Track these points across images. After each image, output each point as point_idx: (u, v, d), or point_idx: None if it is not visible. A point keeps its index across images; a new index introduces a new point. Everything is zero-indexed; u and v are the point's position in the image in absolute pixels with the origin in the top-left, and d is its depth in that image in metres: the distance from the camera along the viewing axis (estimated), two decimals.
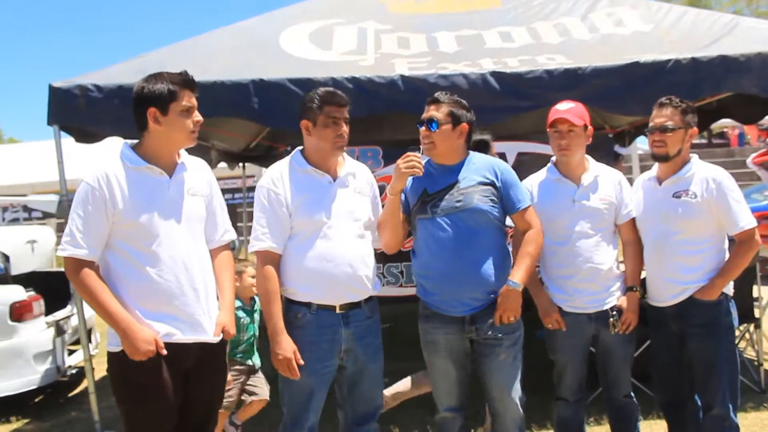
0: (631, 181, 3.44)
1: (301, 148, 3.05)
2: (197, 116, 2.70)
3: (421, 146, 2.99)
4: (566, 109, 3.20)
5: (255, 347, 4.27)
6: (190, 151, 6.96)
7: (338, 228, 2.91)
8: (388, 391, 3.94)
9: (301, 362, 2.82)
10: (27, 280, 5.72)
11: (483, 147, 3.60)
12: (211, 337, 2.71)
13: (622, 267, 3.34)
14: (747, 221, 3.07)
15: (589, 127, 3.24)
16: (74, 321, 5.56)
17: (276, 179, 2.95)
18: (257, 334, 4.24)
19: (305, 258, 2.88)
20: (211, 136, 7.02)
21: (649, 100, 3.34)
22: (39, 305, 5.29)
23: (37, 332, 5.20)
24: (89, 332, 5.22)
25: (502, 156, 4.94)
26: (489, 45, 4.76)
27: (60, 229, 4.01)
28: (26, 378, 5.09)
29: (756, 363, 4.87)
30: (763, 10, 25.08)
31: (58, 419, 5.07)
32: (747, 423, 4.11)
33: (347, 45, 4.90)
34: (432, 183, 3.01)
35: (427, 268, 3.02)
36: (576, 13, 5.10)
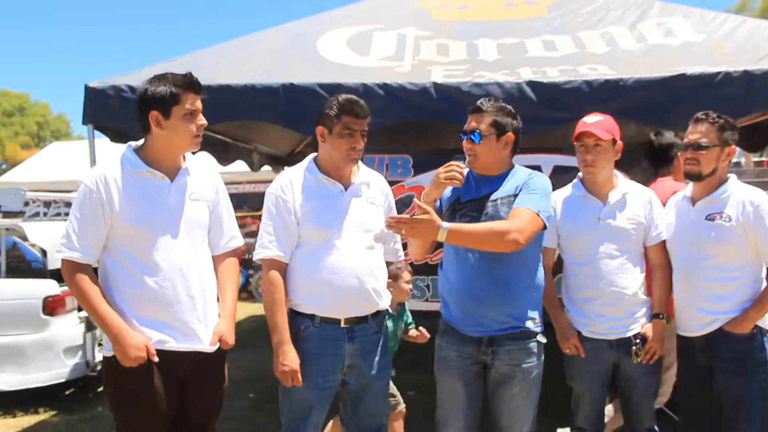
0: None
1: (315, 155, 2.96)
2: (201, 120, 2.64)
3: (465, 155, 2.84)
4: (593, 122, 3.02)
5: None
6: (231, 153, 6.99)
7: (347, 239, 2.80)
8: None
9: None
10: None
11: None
12: (207, 346, 2.64)
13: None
14: None
15: (619, 142, 3.05)
16: None
17: (285, 186, 2.87)
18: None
19: (311, 268, 2.79)
20: (254, 140, 7.06)
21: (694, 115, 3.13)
22: (72, 300, 5.39)
23: (69, 327, 5.31)
24: None
25: (538, 169, 4.75)
26: (530, 54, 4.60)
27: None
28: (55, 371, 5.22)
29: None
30: None
31: (85, 413, 5.15)
32: None
33: (385, 51, 4.81)
34: (467, 191, 2.86)
35: (450, 282, 2.86)
36: (625, 23, 4.88)
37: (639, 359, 2.98)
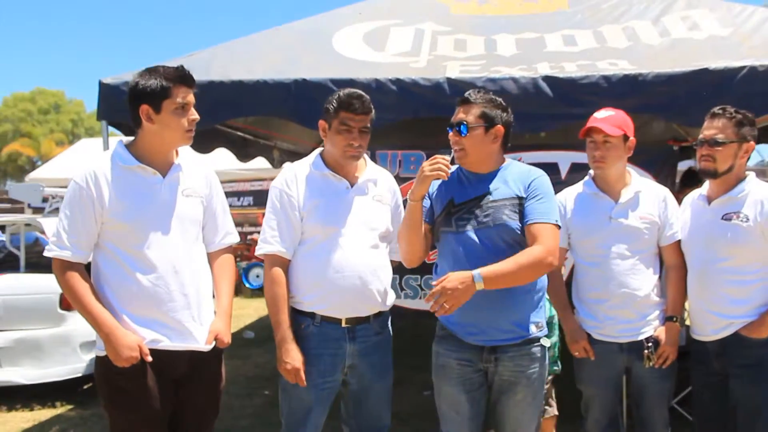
0: None
1: (322, 149, 2.91)
2: (193, 114, 2.57)
3: (452, 152, 2.70)
4: (603, 117, 2.93)
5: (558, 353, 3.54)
6: (250, 149, 6.96)
7: (351, 237, 2.74)
8: None
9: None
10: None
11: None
12: (202, 345, 2.59)
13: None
14: None
15: (631, 138, 2.94)
16: None
17: (290, 180, 2.81)
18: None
19: (313, 266, 2.74)
20: (274, 137, 7.04)
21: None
22: None
23: (85, 322, 5.30)
24: None
25: (554, 167, 4.65)
26: (549, 48, 4.49)
27: None
28: (72, 366, 5.25)
29: None
30: None
31: (99, 408, 5.15)
32: None
33: (401, 46, 4.74)
34: (461, 192, 2.69)
35: None
36: (648, 16, 4.73)
37: (651, 363, 2.87)
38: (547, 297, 2.86)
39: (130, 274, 2.48)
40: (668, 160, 4.58)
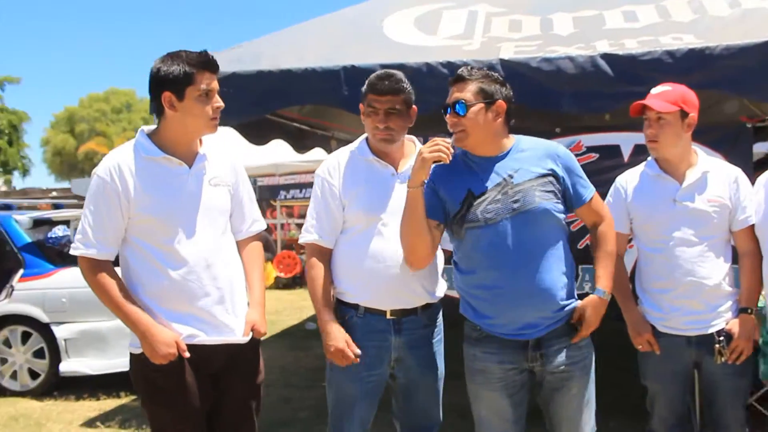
0: None
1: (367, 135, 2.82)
2: (218, 101, 2.45)
3: (453, 136, 2.50)
4: (657, 93, 2.73)
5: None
6: (307, 140, 6.93)
7: (394, 225, 2.61)
8: None
9: (357, 351, 2.59)
10: None
11: None
12: (240, 337, 2.54)
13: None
14: None
15: (691, 115, 2.72)
16: None
17: (332, 168, 2.73)
18: None
19: (355, 256, 2.65)
20: (331, 127, 6.99)
21: None
22: None
23: None
24: None
25: (616, 149, 4.42)
26: (609, 26, 4.27)
27: None
28: None
29: None
30: None
31: None
32: None
33: (454, 29, 4.61)
34: (476, 181, 2.46)
35: (480, 286, 2.49)
36: None
37: (723, 359, 2.66)
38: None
39: (161, 269, 2.41)
40: (741, 139, 4.27)
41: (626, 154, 4.43)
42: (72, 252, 2.48)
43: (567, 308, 2.48)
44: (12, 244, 5.80)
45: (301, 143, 6.65)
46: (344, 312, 2.69)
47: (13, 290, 5.61)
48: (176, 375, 2.41)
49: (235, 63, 4.26)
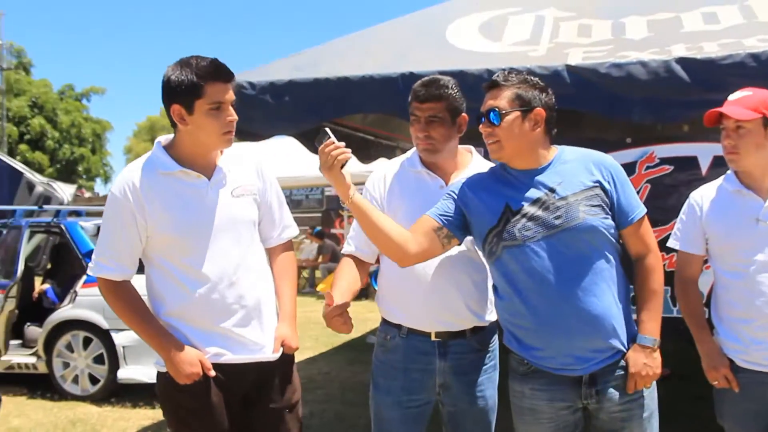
0: None
1: None
2: (231, 115, 2.29)
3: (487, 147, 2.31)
4: (735, 99, 2.48)
5: None
6: (372, 150, 6.83)
7: None
8: None
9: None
10: None
11: None
12: (269, 354, 2.41)
13: None
14: None
15: None
16: None
17: (377, 180, 2.62)
18: None
19: (399, 273, 2.50)
20: (396, 138, 6.88)
21: None
22: None
23: None
24: None
25: (693, 161, 4.12)
26: (687, 29, 4.00)
27: None
28: None
29: None
30: None
31: None
32: None
33: (519, 35, 4.43)
34: (515, 195, 2.25)
35: (522, 314, 2.25)
36: None
37: None
38: None
39: (183, 288, 2.31)
40: None
41: (704, 166, 4.12)
42: (88, 272, 2.40)
43: (624, 338, 2.24)
44: (77, 250, 5.91)
45: (365, 153, 6.55)
46: (386, 331, 2.57)
47: (76, 296, 5.73)
48: (201, 395, 2.31)
49: (293, 70, 4.19)
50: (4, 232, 6.34)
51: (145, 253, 2.36)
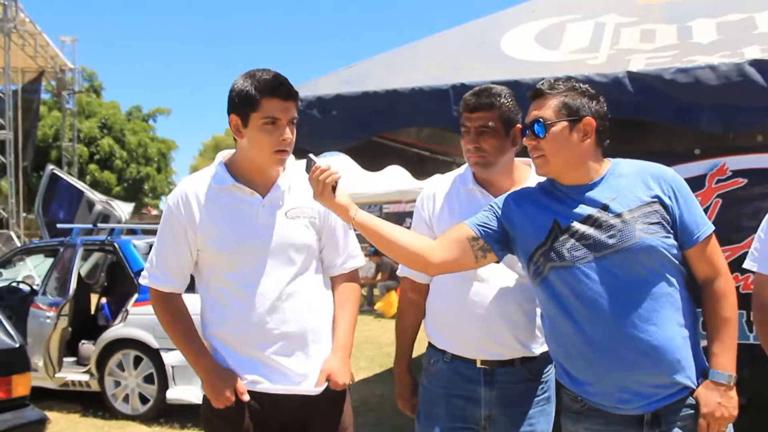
0: None
1: None
2: (286, 134, 2.18)
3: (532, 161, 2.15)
4: None
5: None
6: (427, 166, 6.71)
7: (488, 267, 2.27)
8: None
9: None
10: None
11: None
12: (310, 388, 2.25)
13: None
14: None
15: None
16: None
17: (427, 198, 2.48)
18: None
19: (446, 298, 2.37)
20: (451, 153, 6.72)
21: None
22: None
23: None
24: None
25: (766, 173, 3.80)
26: (761, 30, 3.74)
27: None
28: None
29: None
30: None
31: None
32: None
33: (578, 43, 4.24)
34: (565, 211, 2.06)
35: (572, 342, 2.05)
36: None
37: None
38: None
39: (225, 309, 2.22)
40: None
41: None
42: (140, 280, 2.38)
43: (693, 373, 2.01)
44: (129, 269, 5.94)
45: (420, 169, 6.43)
46: (431, 355, 2.44)
47: (127, 314, 5.74)
48: (234, 421, 2.21)
49: (341, 84, 4.10)
50: (61, 250, 6.43)
51: (197, 268, 2.30)
